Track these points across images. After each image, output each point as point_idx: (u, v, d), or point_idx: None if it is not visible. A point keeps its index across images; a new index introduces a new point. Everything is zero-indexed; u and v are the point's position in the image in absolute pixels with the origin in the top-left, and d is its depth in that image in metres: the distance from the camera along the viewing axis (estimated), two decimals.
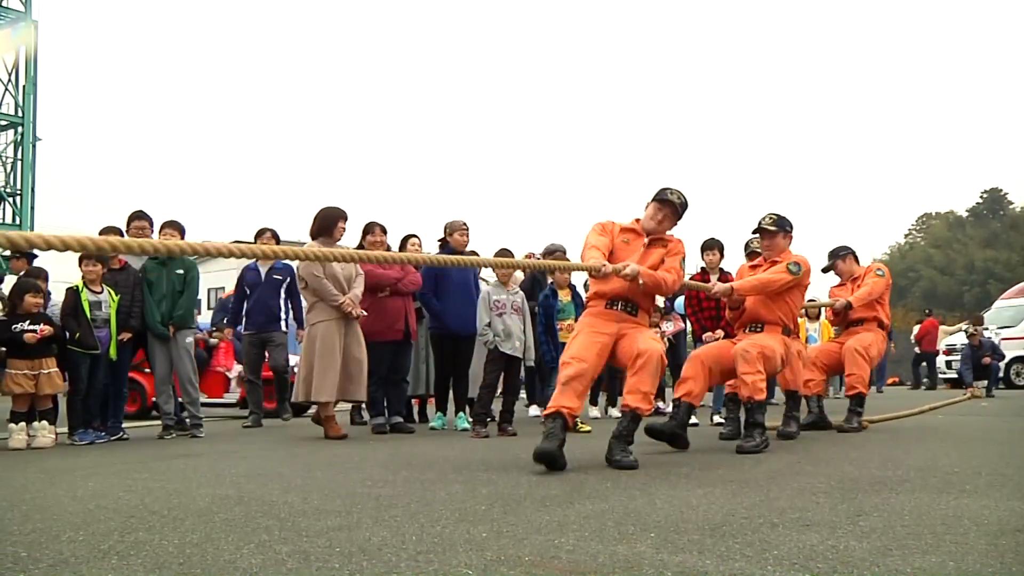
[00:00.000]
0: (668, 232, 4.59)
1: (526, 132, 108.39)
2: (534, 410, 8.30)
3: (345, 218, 6.27)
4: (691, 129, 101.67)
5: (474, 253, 7.43)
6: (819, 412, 6.33)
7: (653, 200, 4.55)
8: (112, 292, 6.11)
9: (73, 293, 5.96)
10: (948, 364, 17.39)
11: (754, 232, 5.54)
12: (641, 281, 4.21)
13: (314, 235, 6.24)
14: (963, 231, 56.60)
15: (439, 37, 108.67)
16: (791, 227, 5.42)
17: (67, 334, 5.89)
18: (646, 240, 4.49)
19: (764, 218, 5.42)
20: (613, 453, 4.13)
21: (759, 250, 5.83)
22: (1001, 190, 59.36)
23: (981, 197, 59.72)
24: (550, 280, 7.23)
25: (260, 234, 7.68)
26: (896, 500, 3.02)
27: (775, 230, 5.35)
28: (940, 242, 56.08)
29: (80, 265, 6.03)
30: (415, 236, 7.52)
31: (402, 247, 7.32)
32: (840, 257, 6.61)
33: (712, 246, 7.26)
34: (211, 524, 2.69)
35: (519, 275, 7.60)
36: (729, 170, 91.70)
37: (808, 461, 4.24)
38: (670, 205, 4.49)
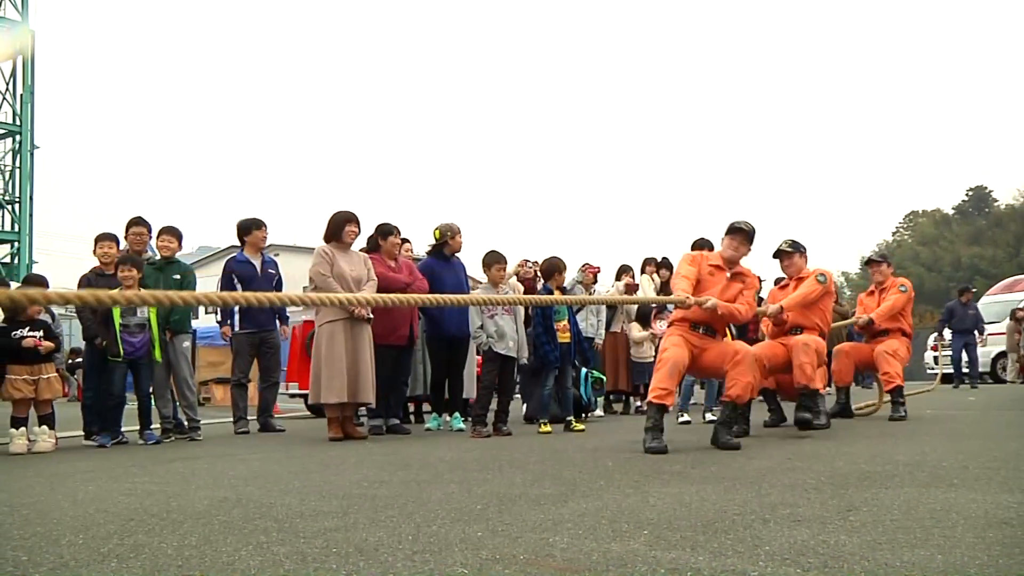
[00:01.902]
0: (744, 261, 5.29)
1: (519, 135, 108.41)
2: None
3: (352, 221, 6.28)
4: (680, 127, 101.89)
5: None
6: (845, 402, 7.09)
7: (726, 234, 5.28)
8: None
9: None
10: (935, 360, 17.45)
11: (774, 256, 6.24)
12: (720, 312, 4.92)
13: (327, 239, 6.28)
14: (949, 228, 56.78)
15: (439, 43, 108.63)
16: (805, 248, 6.21)
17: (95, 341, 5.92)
18: (728, 275, 5.17)
19: (781, 243, 6.20)
20: (719, 436, 4.78)
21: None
22: (986, 187, 59.64)
23: (967, 195, 59.94)
24: (542, 282, 7.26)
25: (258, 226, 7.20)
26: (885, 495, 3.06)
27: (791, 251, 6.14)
28: (927, 239, 56.25)
29: (117, 271, 6.00)
30: (407, 241, 7.53)
31: None
32: (887, 262, 7.55)
33: (702, 247, 7.36)
34: (209, 526, 2.72)
35: (514, 280, 7.64)
36: (718, 168, 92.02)
37: (798, 457, 4.28)
38: (742, 232, 5.23)
